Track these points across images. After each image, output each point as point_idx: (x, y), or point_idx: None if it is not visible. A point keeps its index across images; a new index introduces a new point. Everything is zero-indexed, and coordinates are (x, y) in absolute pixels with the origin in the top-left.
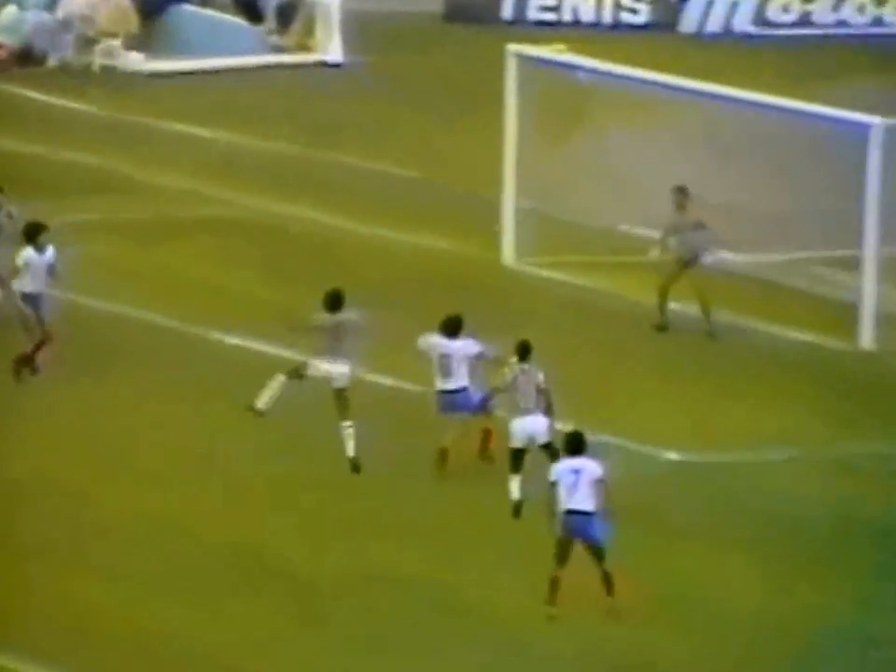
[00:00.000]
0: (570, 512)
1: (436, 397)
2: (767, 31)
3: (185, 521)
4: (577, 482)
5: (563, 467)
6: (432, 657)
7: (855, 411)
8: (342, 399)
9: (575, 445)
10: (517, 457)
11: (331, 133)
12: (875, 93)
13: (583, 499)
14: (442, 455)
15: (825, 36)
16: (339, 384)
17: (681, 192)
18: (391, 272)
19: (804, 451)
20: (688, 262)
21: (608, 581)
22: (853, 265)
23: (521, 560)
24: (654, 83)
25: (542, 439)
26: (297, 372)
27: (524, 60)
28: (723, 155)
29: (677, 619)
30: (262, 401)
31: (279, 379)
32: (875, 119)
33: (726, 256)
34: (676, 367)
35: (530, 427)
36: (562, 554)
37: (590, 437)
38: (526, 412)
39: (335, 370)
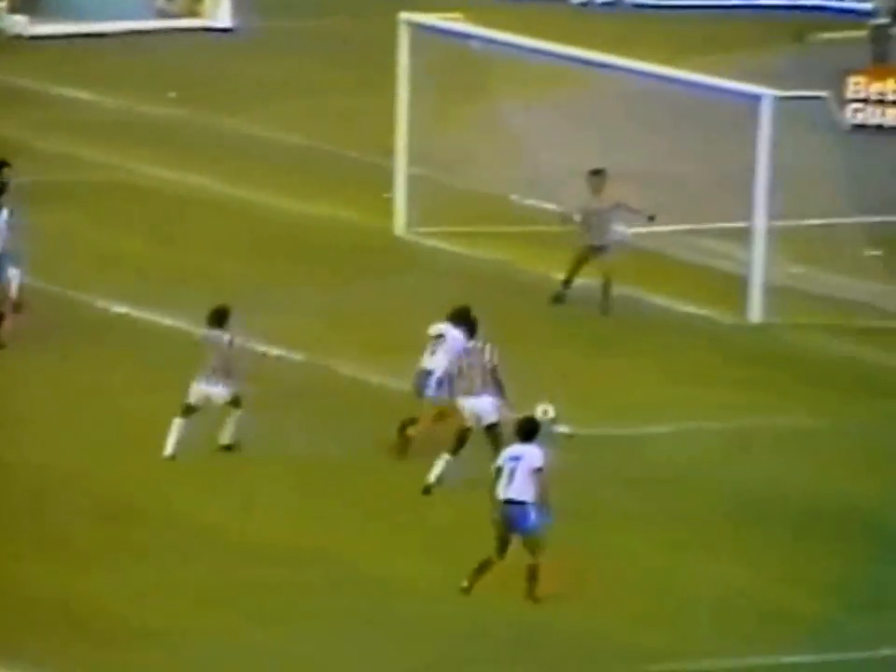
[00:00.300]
0: (505, 502)
1: None
2: (659, 1)
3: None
4: (515, 470)
5: (508, 453)
6: (340, 632)
7: (744, 383)
8: (228, 406)
9: (525, 431)
10: (461, 438)
11: (221, 99)
12: (767, 64)
13: (519, 489)
14: (404, 426)
15: (716, 7)
16: (219, 401)
17: (598, 175)
18: (280, 240)
19: (695, 423)
20: (598, 248)
21: (532, 573)
22: (742, 237)
23: (441, 540)
24: (547, 53)
25: (488, 419)
26: (188, 408)
27: (416, 27)
28: (614, 126)
29: (576, 594)
30: (168, 448)
31: (176, 422)
32: (766, 91)
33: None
34: (567, 338)
35: (477, 407)
36: (500, 545)
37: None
38: (471, 391)
39: (212, 391)
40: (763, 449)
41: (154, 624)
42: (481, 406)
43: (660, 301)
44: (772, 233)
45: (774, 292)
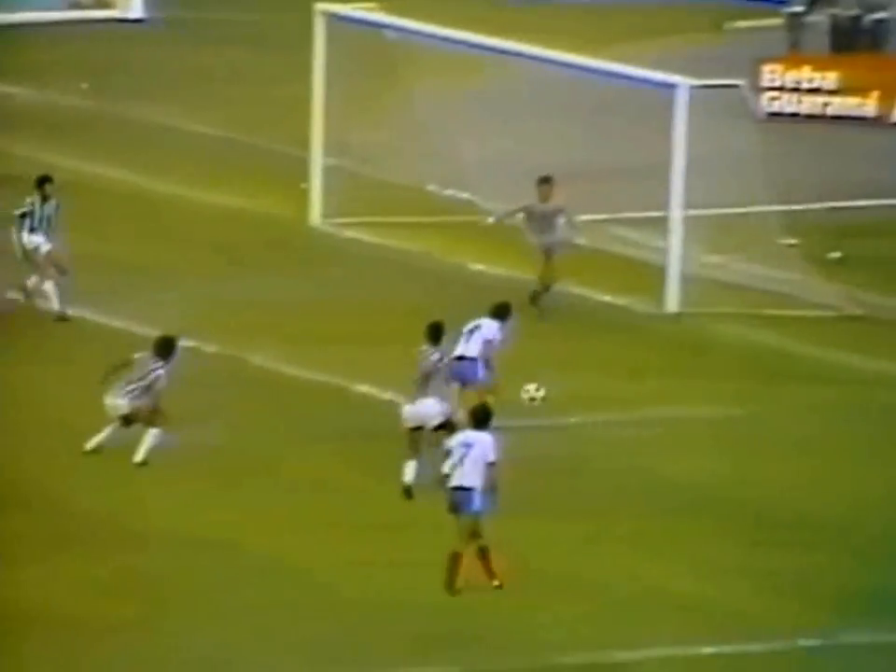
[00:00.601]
0: (452, 489)
1: None
2: None
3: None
4: (464, 457)
5: (460, 438)
6: (259, 620)
7: (661, 373)
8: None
9: (478, 419)
10: (408, 439)
11: (134, 90)
12: (684, 53)
13: (467, 475)
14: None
15: None
16: (122, 411)
17: (546, 183)
18: (194, 230)
19: (611, 413)
20: (551, 250)
21: (456, 562)
22: (659, 227)
23: (354, 529)
24: (464, 43)
25: (434, 422)
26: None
27: (331, 17)
28: (531, 115)
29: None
30: (90, 443)
31: (112, 425)
32: (681, 80)
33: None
34: None
35: (422, 411)
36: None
37: (395, 400)
38: (414, 395)
39: (116, 402)
40: (680, 438)
41: (68, 615)
42: (425, 410)
43: (577, 290)
44: (689, 223)
45: (690, 281)
